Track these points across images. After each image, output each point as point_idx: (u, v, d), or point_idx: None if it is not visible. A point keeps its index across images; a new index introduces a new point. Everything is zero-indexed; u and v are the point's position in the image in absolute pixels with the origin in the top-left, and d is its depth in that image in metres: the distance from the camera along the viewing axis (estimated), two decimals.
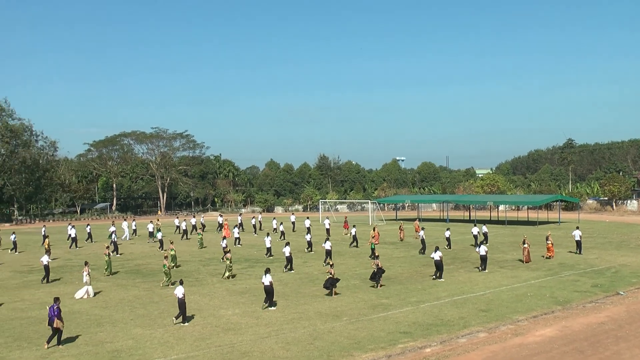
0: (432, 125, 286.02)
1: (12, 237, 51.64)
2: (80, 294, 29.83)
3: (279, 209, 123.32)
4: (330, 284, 28.53)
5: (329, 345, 20.19)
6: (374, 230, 48.34)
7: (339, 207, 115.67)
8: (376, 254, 35.70)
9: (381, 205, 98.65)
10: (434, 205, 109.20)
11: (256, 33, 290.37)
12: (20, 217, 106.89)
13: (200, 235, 51.37)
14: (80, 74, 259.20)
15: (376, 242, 44.83)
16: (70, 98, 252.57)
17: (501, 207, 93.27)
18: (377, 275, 30.48)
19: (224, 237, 43.69)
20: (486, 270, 34.51)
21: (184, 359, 19.16)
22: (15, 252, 49.96)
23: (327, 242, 39.62)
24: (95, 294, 30.25)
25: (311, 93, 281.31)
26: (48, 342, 20.86)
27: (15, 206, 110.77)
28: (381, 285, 30.44)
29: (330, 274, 28.68)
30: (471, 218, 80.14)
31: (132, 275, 36.53)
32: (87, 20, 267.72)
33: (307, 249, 45.59)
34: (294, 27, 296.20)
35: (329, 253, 38.79)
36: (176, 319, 23.72)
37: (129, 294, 30.35)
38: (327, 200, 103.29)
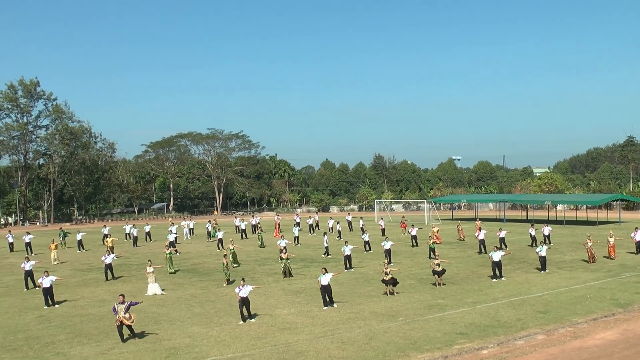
0: (489, 124, 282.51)
1: (78, 235, 52.67)
2: (150, 291, 30.40)
3: (334, 209, 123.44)
4: (388, 284, 28.46)
5: (384, 345, 20.15)
6: (433, 230, 48.12)
7: (394, 206, 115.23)
8: (437, 254, 35.41)
9: (437, 204, 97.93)
10: (490, 205, 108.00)
11: (313, 31, 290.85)
12: (79, 217, 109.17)
13: (261, 235, 51.69)
14: (136, 75, 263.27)
15: (438, 242, 44.58)
16: (128, 100, 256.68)
17: (559, 207, 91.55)
18: (438, 274, 30.41)
19: (282, 237, 43.77)
20: (546, 271, 34.00)
21: (239, 358, 19.33)
22: (82, 250, 51.11)
23: (388, 242, 39.45)
24: (162, 291, 30.87)
25: (366, 92, 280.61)
26: (124, 340, 21.48)
27: (75, 206, 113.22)
28: (443, 284, 30.32)
29: (387, 273, 28.56)
30: (528, 218, 78.94)
31: (189, 274, 37.00)
32: (140, 20, 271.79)
33: (366, 249, 45.39)
34: (351, 23, 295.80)
35: (388, 253, 38.69)
36: (248, 319, 23.94)
37: (186, 292, 30.75)
38: (382, 200, 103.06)
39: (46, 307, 27.95)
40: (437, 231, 49.12)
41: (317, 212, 78.95)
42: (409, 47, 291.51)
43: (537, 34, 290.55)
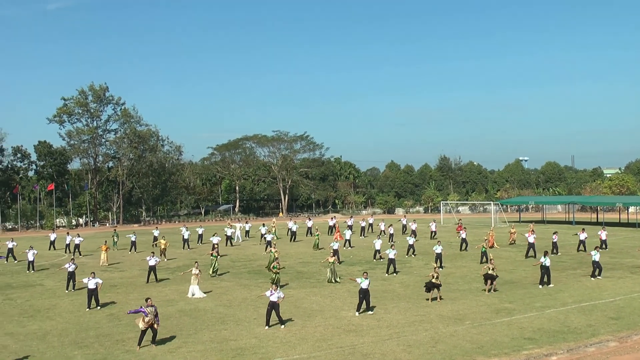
0: (557, 124, 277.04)
1: (132, 237, 53.60)
2: (191, 293, 30.72)
3: (399, 211, 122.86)
4: (430, 287, 28.04)
5: (451, 349, 19.95)
6: (490, 233, 47.50)
7: (460, 208, 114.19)
8: (490, 258, 34.38)
9: (504, 206, 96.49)
10: (559, 206, 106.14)
11: (377, 36, 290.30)
12: (147, 218, 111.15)
13: (317, 236, 51.63)
14: (201, 79, 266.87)
15: (490, 246, 43.94)
16: (195, 103, 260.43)
17: (631, 209, 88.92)
18: (489, 280, 29.79)
19: (336, 240, 43.56)
20: (599, 277, 32.88)
21: (305, 359, 19.38)
22: (135, 251, 51.83)
23: (439, 246, 38.96)
24: (205, 293, 31.01)
25: (432, 93, 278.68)
26: (139, 344, 21.27)
27: (143, 208, 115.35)
28: (494, 290, 29.77)
29: (433, 277, 28.16)
30: (599, 220, 77.16)
31: (254, 275, 37.26)
32: (204, 26, 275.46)
33: (411, 252, 44.76)
34: (416, 29, 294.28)
35: (439, 257, 38.27)
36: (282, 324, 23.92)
37: (252, 293, 30.93)
38: (448, 202, 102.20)
39: (88, 309, 28.24)
40: (493, 235, 48.46)
41: (371, 215, 78.28)
42: (475, 48, 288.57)
43: (604, 33, 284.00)
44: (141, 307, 21.75)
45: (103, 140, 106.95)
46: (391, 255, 36.04)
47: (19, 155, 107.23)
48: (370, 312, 25.73)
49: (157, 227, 62.24)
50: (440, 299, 28.02)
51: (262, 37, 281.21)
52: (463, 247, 47.23)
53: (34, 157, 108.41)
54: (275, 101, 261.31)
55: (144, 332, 21.30)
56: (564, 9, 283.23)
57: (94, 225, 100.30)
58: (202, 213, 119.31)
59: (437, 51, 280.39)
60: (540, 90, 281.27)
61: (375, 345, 20.52)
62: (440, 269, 33.19)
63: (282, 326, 23.61)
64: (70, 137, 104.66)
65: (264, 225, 59.40)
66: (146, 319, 21.21)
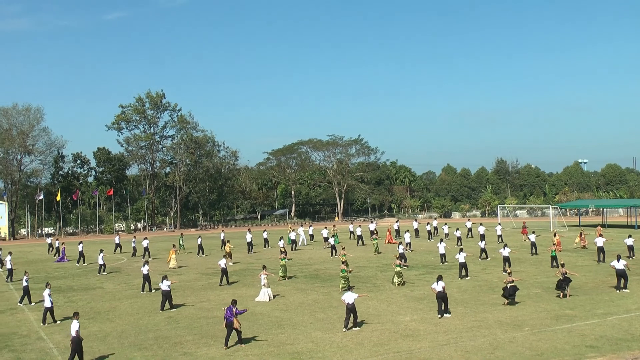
0: (617, 125, 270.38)
1: (198, 240, 54.28)
2: (261, 297, 30.90)
3: (456, 215, 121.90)
4: (510, 293, 27.70)
5: (509, 355, 19.61)
6: (555, 236, 46.63)
7: (518, 212, 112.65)
8: (561, 262, 33.72)
9: (563, 210, 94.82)
10: (620, 210, 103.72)
11: (433, 34, 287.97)
12: (204, 223, 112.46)
13: (376, 241, 51.50)
14: (255, 84, 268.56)
15: (558, 250, 43.10)
16: (250, 108, 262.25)
17: None
18: (563, 284, 29.23)
19: (399, 244, 43.29)
20: (626, 290, 31.06)
21: None
22: (202, 254, 52.42)
23: (506, 248, 38.45)
24: (274, 296, 31.26)
25: (488, 95, 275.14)
26: (226, 344, 21.66)
27: (200, 212, 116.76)
28: (569, 295, 29.17)
29: (508, 282, 27.84)
30: None
31: (311, 279, 37.29)
32: (257, 30, 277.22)
33: (481, 256, 44.36)
34: (470, 25, 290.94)
35: (507, 260, 37.74)
36: (353, 327, 23.89)
37: (309, 297, 30.99)
38: (505, 206, 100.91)
39: (161, 310, 28.79)
40: (559, 238, 47.53)
41: (436, 219, 77.86)
42: (531, 47, 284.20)
43: None
44: (239, 309, 22.40)
45: (160, 146, 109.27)
46: (461, 259, 35.74)
47: (78, 161, 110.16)
48: (448, 315, 25.59)
49: (223, 230, 63.13)
50: (513, 303, 27.70)
51: (312, 37, 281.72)
52: (533, 251, 46.48)
53: (93, 163, 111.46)
54: (330, 105, 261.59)
55: (231, 332, 21.82)
56: (619, 5, 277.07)
57: (151, 230, 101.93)
58: (258, 217, 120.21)
59: (491, 50, 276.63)
60: (600, 90, 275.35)
61: (432, 351, 20.31)
62: (507, 274, 32.69)
63: (356, 328, 23.80)
64: (128, 143, 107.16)
65: (325, 228, 59.66)
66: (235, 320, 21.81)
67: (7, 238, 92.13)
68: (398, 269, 34.13)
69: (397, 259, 35.26)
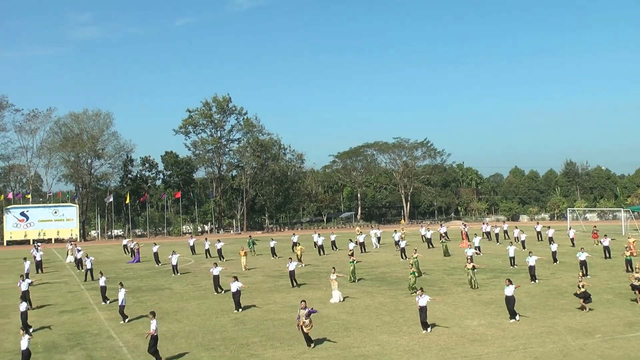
0: None
1: (271, 243, 54.67)
2: (334, 299, 31.00)
3: (524, 218, 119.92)
4: (586, 297, 27.06)
5: None
6: (629, 240, 45.40)
7: (588, 215, 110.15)
8: (637, 266, 32.62)
9: (635, 213, 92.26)
10: None
11: (502, 33, 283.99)
12: (270, 226, 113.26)
13: (445, 243, 50.99)
14: (321, 86, 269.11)
15: (634, 254, 41.97)
16: (315, 111, 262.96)
17: None
18: (638, 289, 28.42)
19: (469, 246, 42.80)
20: None
21: None
22: (275, 257, 52.75)
23: (583, 253, 37.53)
24: (343, 298, 31.29)
25: (556, 96, 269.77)
26: (309, 344, 22.10)
27: (266, 215, 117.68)
28: None
29: (580, 287, 27.20)
30: None
31: (377, 282, 37.15)
32: (328, 31, 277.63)
33: (554, 260, 43.49)
34: (540, 24, 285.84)
35: (584, 264, 36.85)
36: (426, 329, 23.77)
37: (375, 300, 30.89)
38: (575, 209, 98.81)
39: (236, 311, 29.21)
40: (634, 242, 46.23)
41: (505, 222, 76.54)
42: (601, 46, 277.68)
43: None
44: (312, 309, 22.61)
45: (227, 149, 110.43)
46: (531, 262, 35.12)
47: (147, 165, 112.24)
48: (516, 319, 25.20)
49: (294, 233, 63.45)
50: (585, 308, 27.09)
51: (381, 37, 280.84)
52: (607, 255, 45.39)
53: (161, 166, 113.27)
54: (396, 107, 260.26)
55: (304, 333, 22.07)
56: None
57: (218, 232, 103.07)
58: (324, 220, 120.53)
59: (559, 50, 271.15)
60: None
61: (500, 357, 20.05)
62: (587, 277, 32.07)
63: (425, 331, 23.74)
64: (195, 147, 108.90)
65: (395, 231, 59.44)
66: (300, 322, 22.05)
67: (78, 239, 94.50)
68: (469, 271, 33.74)
69: (468, 262, 34.80)
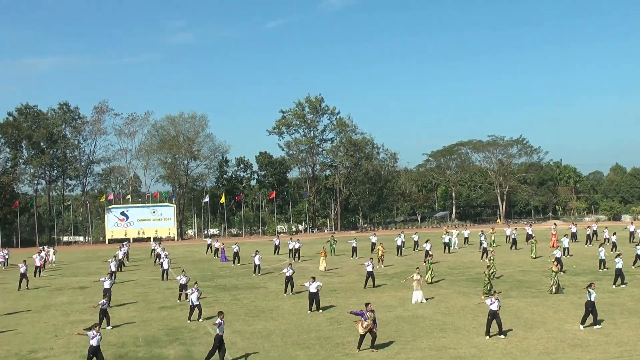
0: None
1: (353, 242, 54.31)
2: (415, 299, 30.67)
3: (626, 217, 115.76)
4: None
5: None
6: None
7: None
8: None
9: None
10: None
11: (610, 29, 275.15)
12: (364, 225, 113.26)
13: (534, 244, 49.44)
14: (412, 87, 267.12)
15: None
16: (408, 111, 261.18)
17: None
18: None
19: (556, 247, 41.40)
20: None
21: None
22: (356, 257, 52.41)
23: None
24: (426, 299, 30.89)
25: None
26: (359, 347, 21.79)
27: (360, 214, 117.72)
28: None
29: None
30: None
31: (473, 283, 36.44)
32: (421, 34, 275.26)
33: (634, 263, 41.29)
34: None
35: None
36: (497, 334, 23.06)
37: (471, 301, 30.30)
38: None
39: (309, 311, 29.15)
40: None
41: (596, 222, 73.72)
42: None
43: None
44: (361, 310, 22.18)
45: (320, 149, 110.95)
46: (619, 265, 33.75)
47: (241, 165, 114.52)
48: (596, 327, 24.07)
49: (374, 234, 62.97)
50: None
51: (477, 42, 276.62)
52: None
53: (255, 167, 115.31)
54: (491, 105, 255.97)
55: (362, 337, 21.75)
56: None
57: (312, 232, 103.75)
58: (418, 220, 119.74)
59: None
60: None
61: None
62: None
63: (502, 336, 22.90)
64: (289, 147, 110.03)
65: (482, 232, 58.28)
66: (364, 324, 21.69)
67: (176, 238, 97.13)
68: (553, 274, 32.50)
69: (554, 264, 33.64)
